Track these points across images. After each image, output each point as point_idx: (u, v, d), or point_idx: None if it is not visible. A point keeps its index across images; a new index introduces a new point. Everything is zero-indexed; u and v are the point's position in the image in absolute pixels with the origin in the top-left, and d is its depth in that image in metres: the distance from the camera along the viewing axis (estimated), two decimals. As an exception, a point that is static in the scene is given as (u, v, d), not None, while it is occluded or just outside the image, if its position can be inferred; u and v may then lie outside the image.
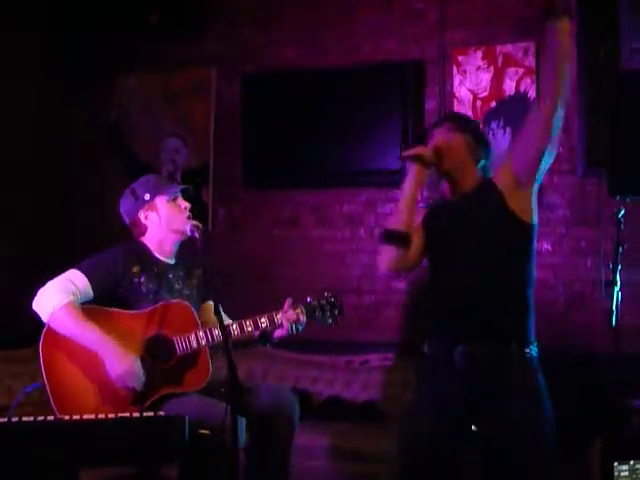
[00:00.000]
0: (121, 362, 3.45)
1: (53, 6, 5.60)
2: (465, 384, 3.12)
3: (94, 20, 5.64)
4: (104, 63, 5.87)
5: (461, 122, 3.41)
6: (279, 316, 3.62)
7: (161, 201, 3.69)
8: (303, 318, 3.65)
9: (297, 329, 3.66)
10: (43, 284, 3.56)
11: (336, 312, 3.70)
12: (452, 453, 3.18)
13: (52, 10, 5.62)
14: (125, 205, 3.75)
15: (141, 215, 3.71)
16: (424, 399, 3.27)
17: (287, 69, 5.51)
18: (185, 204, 3.69)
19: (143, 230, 3.72)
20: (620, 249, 3.92)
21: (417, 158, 3.25)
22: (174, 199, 3.69)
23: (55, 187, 5.87)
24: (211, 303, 3.67)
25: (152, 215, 3.70)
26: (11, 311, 4.61)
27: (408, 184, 3.29)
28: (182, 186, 3.82)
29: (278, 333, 3.68)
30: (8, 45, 5.44)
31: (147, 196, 3.69)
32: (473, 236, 3.18)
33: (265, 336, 3.71)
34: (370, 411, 4.83)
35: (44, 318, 3.51)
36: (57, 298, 3.48)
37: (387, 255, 3.32)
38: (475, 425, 3.16)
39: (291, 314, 3.63)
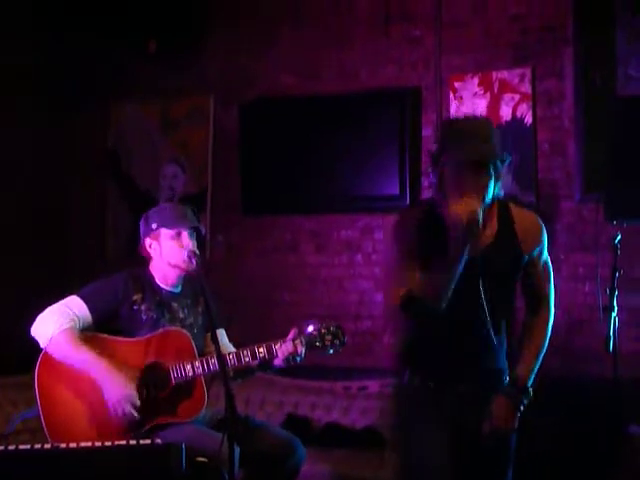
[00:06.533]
0: (118, 388, 3.44)
1: (53, 32, 5.63)
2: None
3: (93, 46, 5.67)
4: (102, 89, 5.90)
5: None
6: (277, 346, 3.53)
7: (165, 234, 3.66)
8: (301, 350, 3.53)
9: (294, 360, 3.56)
10: (42, 310, 3.57)
11: (337, 342, 3.62)
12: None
13: (52, 36, 5.65)
14: (140, 228, 3.76)
15: (147, 242, 3.71)
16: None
17: (285, 96, 5.54)
18: (188, 242, 3.63)
19: (148, 257, 3.73)
20: (617, 274, 3.92)
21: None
22: (178, 234, 3.65)
23: (53, 212, 5.89)
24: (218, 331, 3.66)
25: (155, 245, 3.69)
26: (10, 337, 4.60)
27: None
28: (190, 224, 3.69)
29: (276, 362, 3.61)
30: (7, 70, 5.47)
31: (154, 225, 3.68)
32: None
33: (265, 364, 3.67)
34: (369, 437, 4.80)
35: (42, 344, 3.51)
36: (56, 324, 3.49)
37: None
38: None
39: (288, 346, 3.53)
